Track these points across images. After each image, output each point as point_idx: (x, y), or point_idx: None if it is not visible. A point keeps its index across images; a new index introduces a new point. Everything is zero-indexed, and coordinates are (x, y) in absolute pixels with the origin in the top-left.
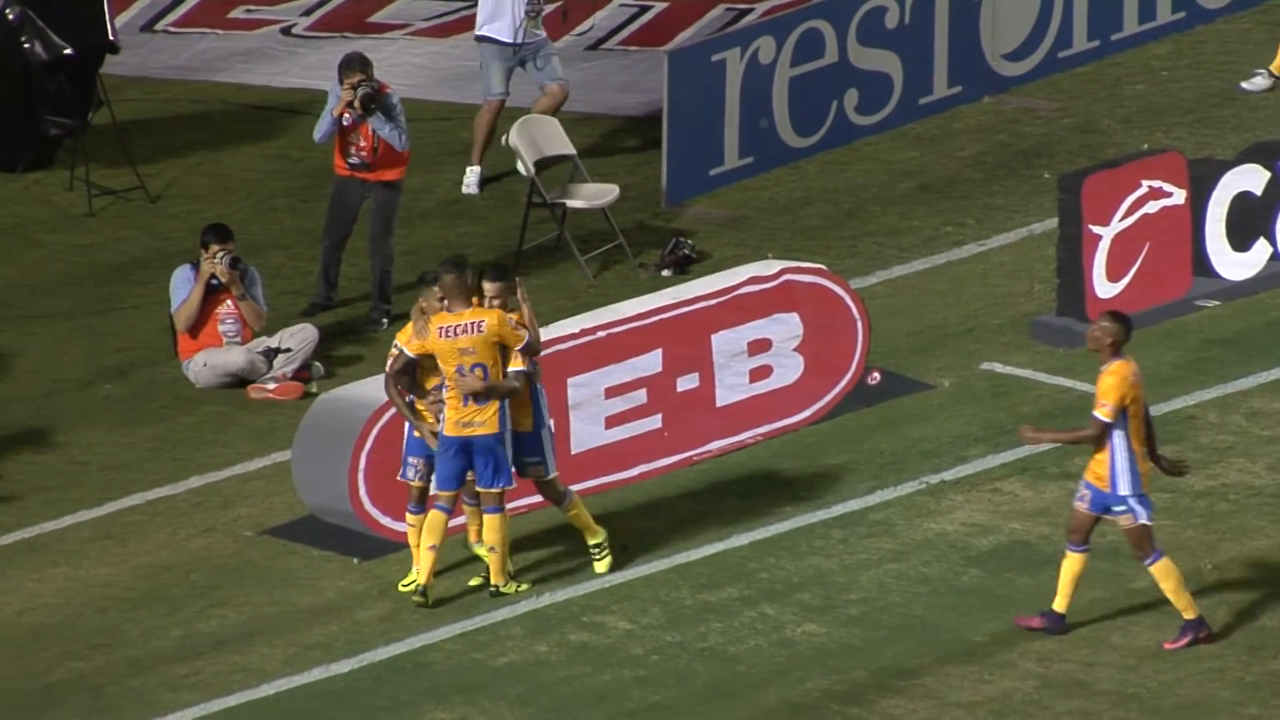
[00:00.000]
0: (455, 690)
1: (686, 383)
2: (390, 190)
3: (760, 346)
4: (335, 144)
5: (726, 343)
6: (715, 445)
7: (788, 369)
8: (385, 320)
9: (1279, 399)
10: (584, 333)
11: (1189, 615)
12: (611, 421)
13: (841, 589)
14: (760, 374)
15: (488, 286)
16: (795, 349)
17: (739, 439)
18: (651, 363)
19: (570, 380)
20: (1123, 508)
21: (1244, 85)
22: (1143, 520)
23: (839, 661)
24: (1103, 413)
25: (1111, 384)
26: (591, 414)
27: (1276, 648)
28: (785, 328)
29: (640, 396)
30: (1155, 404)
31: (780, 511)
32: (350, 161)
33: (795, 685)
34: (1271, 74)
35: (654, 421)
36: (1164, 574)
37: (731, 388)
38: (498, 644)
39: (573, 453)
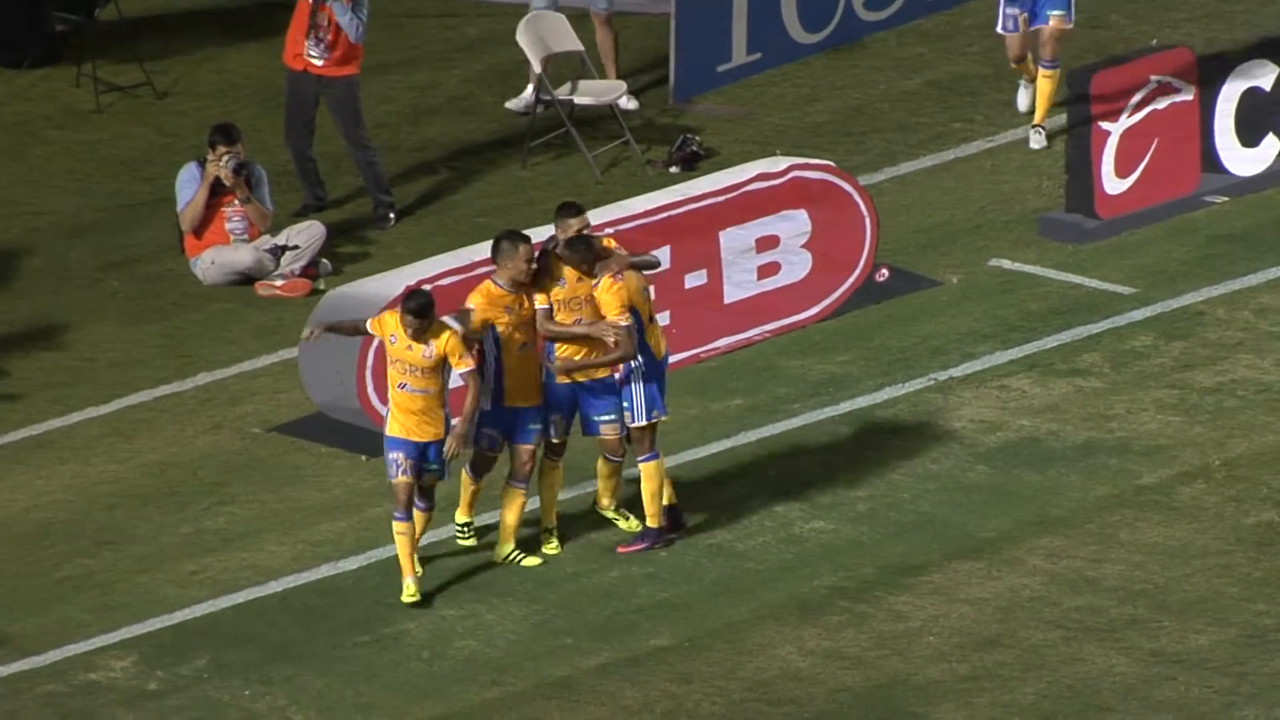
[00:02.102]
0: (464, 587)
1: (694, 280)
2: (346, 85)
3: (768, 243)
4: (290, 33)
5: (734, 240)
6: (723, 342)
7: (796, 266)
8: (392, 215)
9: None
10: (592, 230)
11: (652, 524)
12: None
13: (849, 486)
14: (768, 271)
15: (572, 222)
16: (803, 246)
17: (747, 336)
18: (660, 259)
19: None
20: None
21: None
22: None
23: (847, 558)
24: None
25: None
26: None
27: None
28: (793, 224)
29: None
30: (1164, 300)
31: (788, 409)
32: (310, 54)
33: (803, 582)
34: None
35: (662, 318)
36: (650, 474)
37: (739, 285)
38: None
39: None
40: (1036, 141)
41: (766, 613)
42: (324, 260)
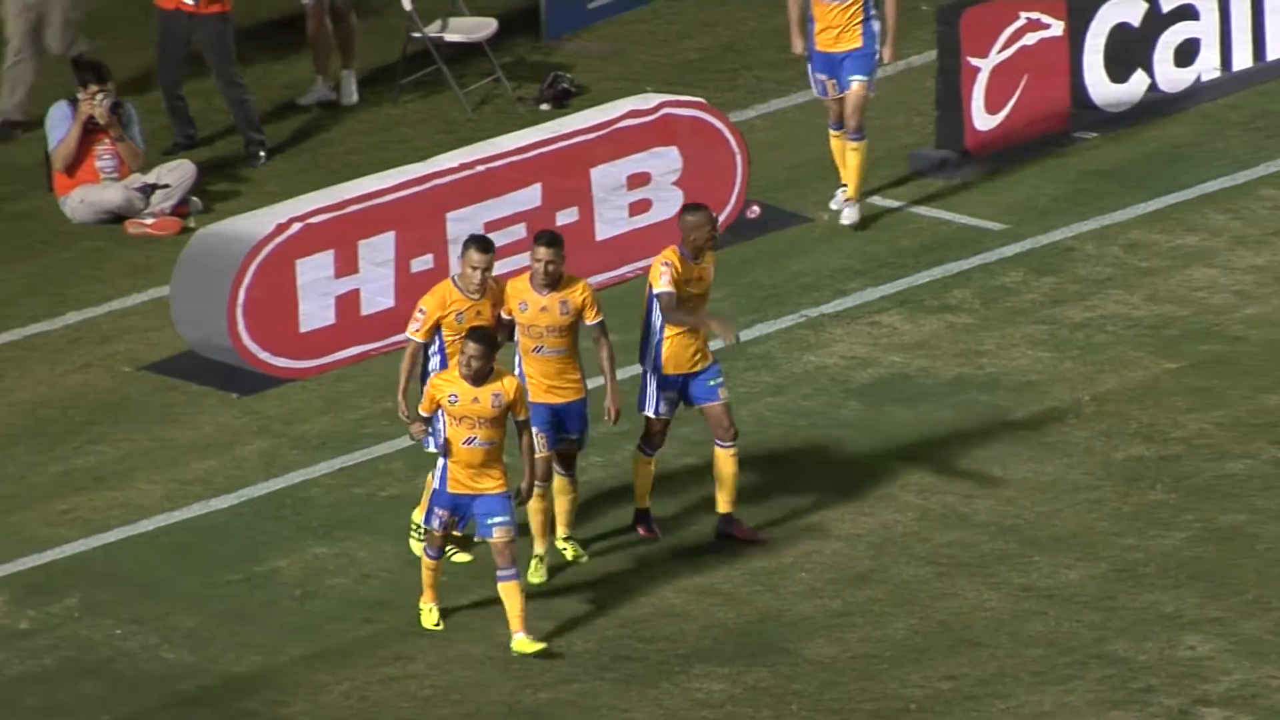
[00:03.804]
0: (336, 525)
1: (566, 217)
2: (219, 22)
3: (639, 180)
4: None
5: (605, 177)
6: (595, 280)
7: (667, 202)
8: (263, 154)
9: (1157, 230)
10: (463, 167)
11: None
12: None
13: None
14: (640, 208)
15: (542, 252)
16: (674, 183)
17: (618, 273)
18: (530, 197)
19: (449, 215)
20: None
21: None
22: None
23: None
24: None
25: None
26: None
27: (1153, 479)
28: (664, 161)
29: (519, 231)
30: (1035, 236)
31: None
32: None
33: (676, 520)
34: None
35: None
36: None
37: (611, 222)
38: (378, 479)
39: None
40: (849, 218)
41: (639, 550)
42: (195, 198)
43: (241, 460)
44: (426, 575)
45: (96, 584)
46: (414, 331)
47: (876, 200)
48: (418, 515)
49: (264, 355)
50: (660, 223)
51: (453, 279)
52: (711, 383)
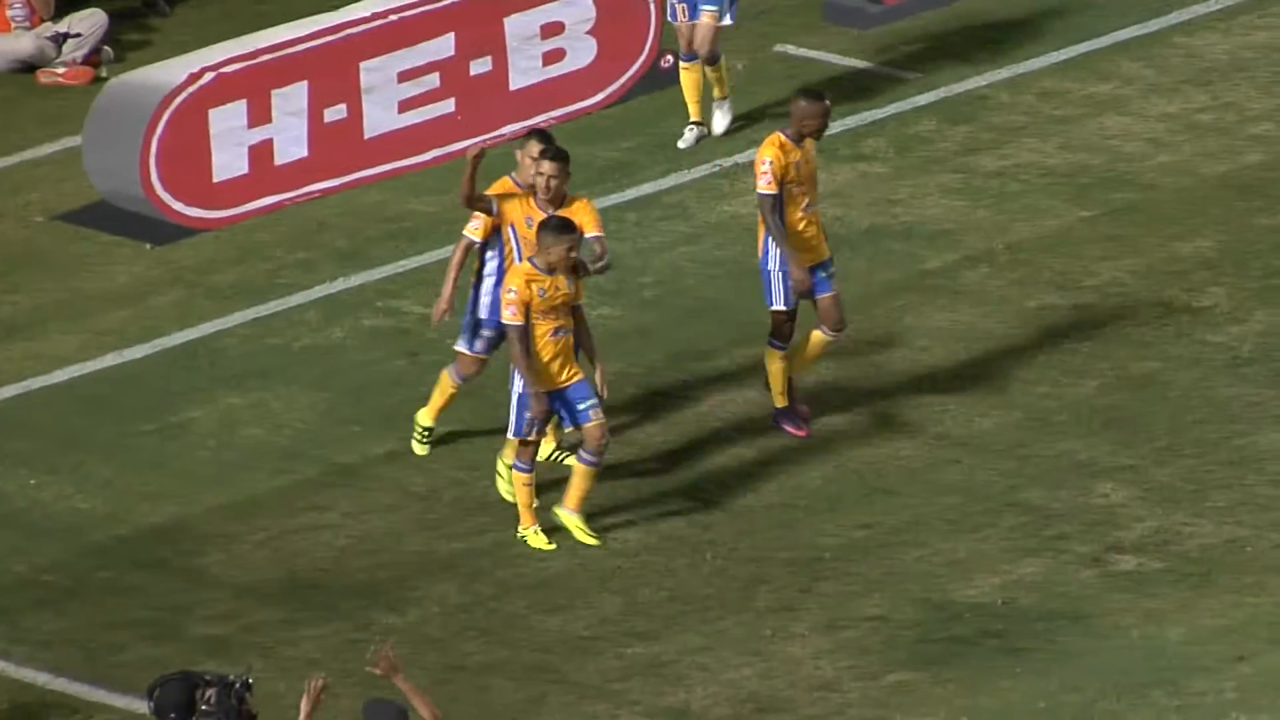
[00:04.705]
0: (251, 375)
1: (479, 66)
2: None
3: (553, 29)
4: None
5: (519, 26)
6: (508, 129)
7: (580, 52)
8: (168, 4)
9: (1069, 79)
10: (375, 16)
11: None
12: (405, 106)
13: (636, 272)
14: (553, 57)
15: (546, 166)
16: (588, 31)
17: (532, 122)
18: (444, 46)
19: (363, 64)
20: None
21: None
22: None
23: (634, 344)
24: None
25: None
26: (384, 98)
27: (1066, 327)
28: (578, 10)
29: (433, 80)
30: (949, 85)
31: (573, 195)
32: None
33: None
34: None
35: (447, 105)
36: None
37: (524, 71)
38: (292, 329)
39: (365, 137)
40: (720, 123)
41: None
42: (106, 48)
43: (155, 310)
44: (523, 495)
45: (10, 434)
46: (472, 230)
47: (790, 49)
48: (425, 418)
49: (177, 205)
50: (573, 72)
51: (511, 177)
52: (823, 274)
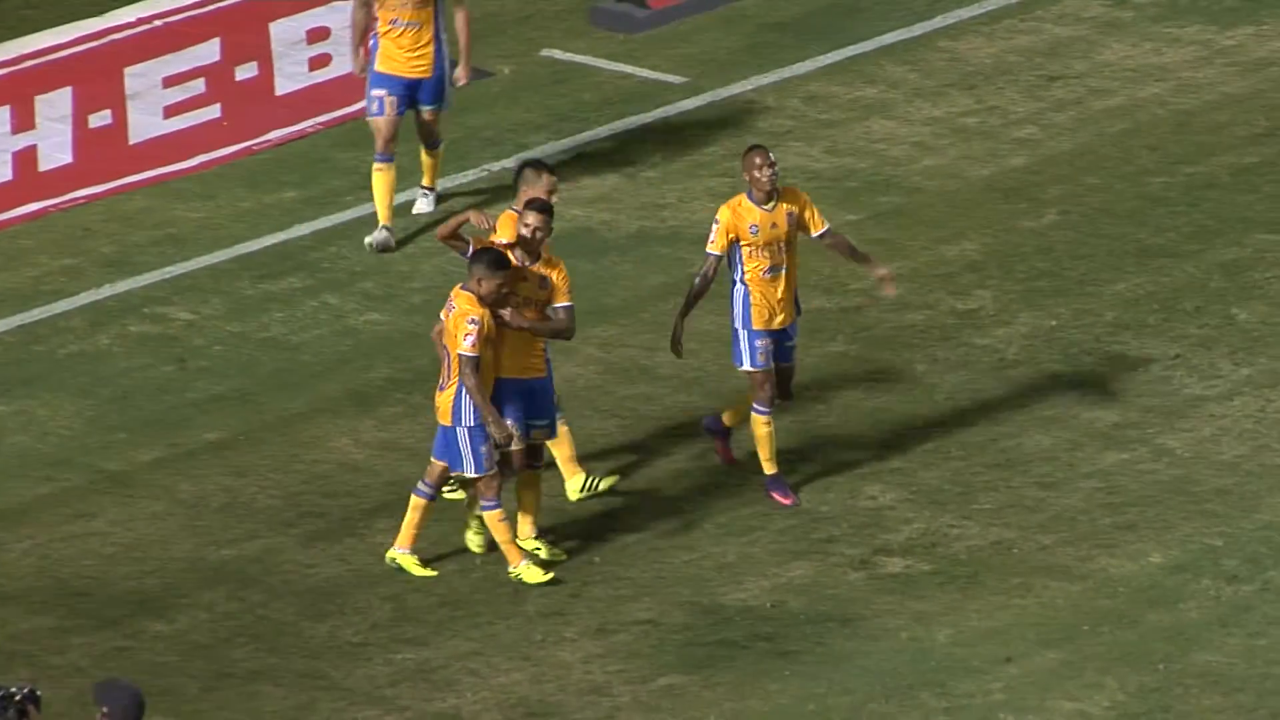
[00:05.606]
0: (16, 382)
1: (245, 72)
2: None
3: (319, 35)
4: None
5: (285, 31)
6: (275, 134)
7: (346, 57)
8: None
9: (835, 82)
10: (140, 21)
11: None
12: (170, 111)
13: (404, 278)
14: (320, 62)
15: (531, 217)
16: None
17: (299, 128)
18: (209, 52)
19: (127, 70)
20: None
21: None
22: None
23: (402, 350)
24: None
25: None
26: (150, 104)
27: (834, 330)
28: (344, 16)
29: (199, 86)
30: (715, 89)
31: (341, 201)
32: None
33: (359, 374)
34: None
35: (213, 111)
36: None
37: (291, 76)
38: (58, 336)
39: (131, 143)
40: (422, 207)
41: (323, 404)
42: None
43: None
44: (501, 532)
45: None
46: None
47: (557, 54)
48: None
49: None
50: (339, 78)
51: (513, 208)
52: (788, 344)
